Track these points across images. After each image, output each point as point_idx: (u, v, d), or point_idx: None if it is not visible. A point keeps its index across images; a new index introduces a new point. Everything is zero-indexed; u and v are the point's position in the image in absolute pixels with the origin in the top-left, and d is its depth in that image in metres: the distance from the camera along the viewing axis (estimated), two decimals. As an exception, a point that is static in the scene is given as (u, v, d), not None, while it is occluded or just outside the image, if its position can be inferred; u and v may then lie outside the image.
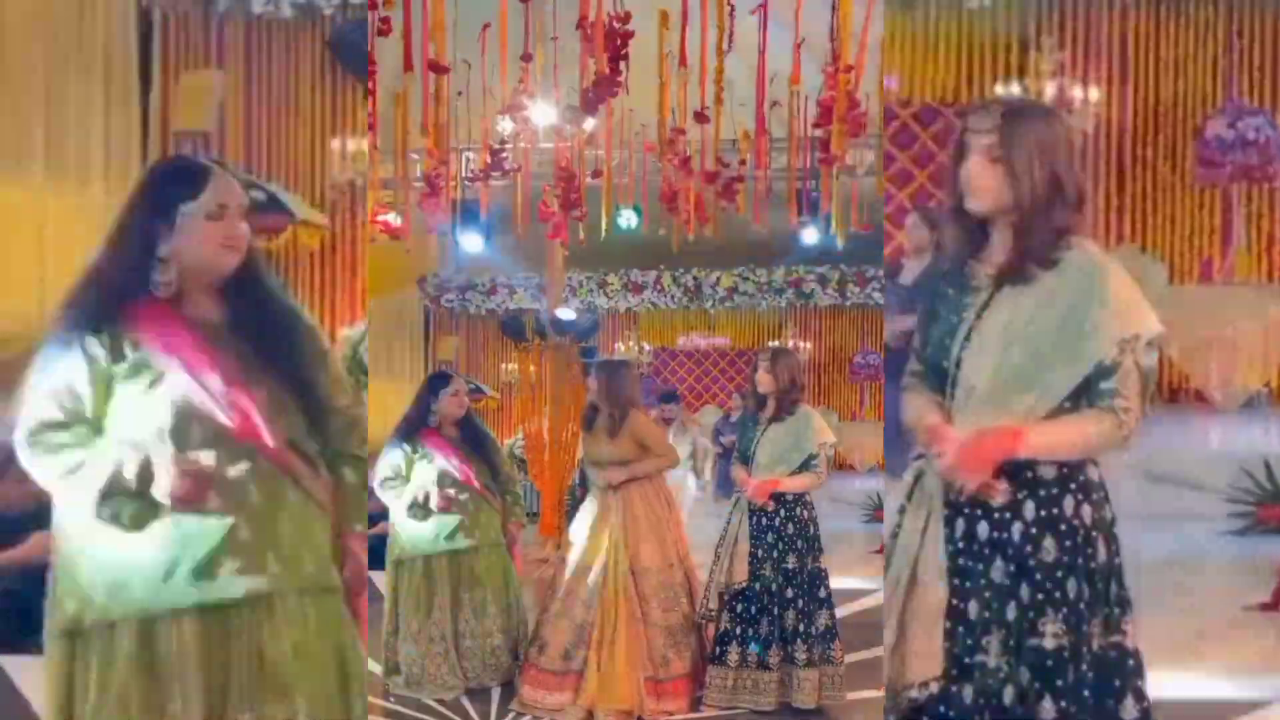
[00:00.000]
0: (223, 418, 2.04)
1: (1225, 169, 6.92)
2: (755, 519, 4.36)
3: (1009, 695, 1.99)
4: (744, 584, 4.31)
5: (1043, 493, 2.02)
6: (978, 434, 2.02)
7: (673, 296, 13.33)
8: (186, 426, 2.02)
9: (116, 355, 2.02)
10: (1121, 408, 1.98)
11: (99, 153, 6.95)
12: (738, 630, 4.30)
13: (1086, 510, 2.02)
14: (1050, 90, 7.39)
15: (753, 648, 4.27)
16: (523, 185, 6.55)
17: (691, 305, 13.42)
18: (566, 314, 9.69)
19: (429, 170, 6.60)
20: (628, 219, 8.25)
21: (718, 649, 4.33)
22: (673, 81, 5.02)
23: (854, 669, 4.38)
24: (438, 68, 4.36)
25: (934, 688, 2.03)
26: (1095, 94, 7.60)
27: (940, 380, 2.13)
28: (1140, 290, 2.03)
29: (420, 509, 4.64)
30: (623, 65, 4.50)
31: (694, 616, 4.44)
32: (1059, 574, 1.99)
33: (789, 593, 4.29)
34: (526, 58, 5.12)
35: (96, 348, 2.01)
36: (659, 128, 5.30)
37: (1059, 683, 1.98)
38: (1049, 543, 2.00)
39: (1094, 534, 2.01)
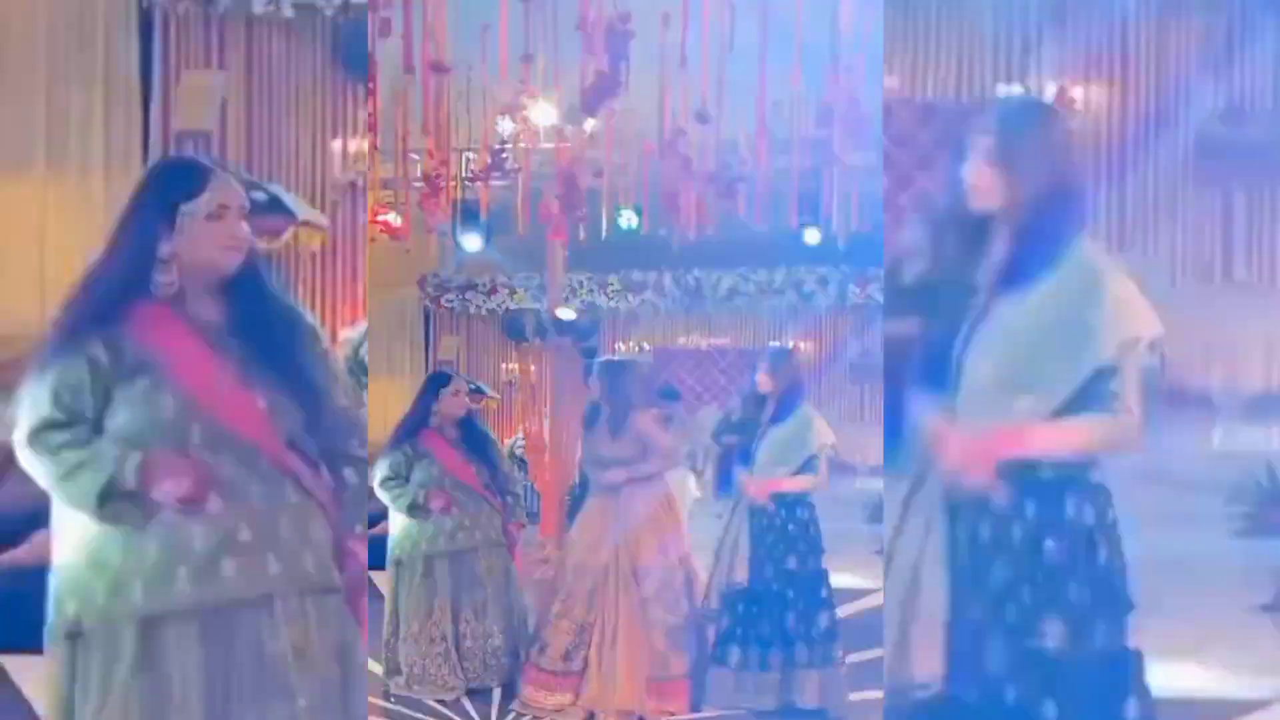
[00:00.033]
0: (223, 418, 2.04)
1: (1227, 169, 6.92)
2: (756, 519, 4.36)
3: (1011, 696, 1.99)
4: (745, 584, 4.30)
5: (1044, 494, 2.01)
6: (979, 436, 2.01)
7: (673, 297, 13.32)
8: (186, 427, 2.02)
9: (117, 356, 2.02)
10: (1122, 409, 1.98)
11: (99, 153, 6.95)
12: (739, 631, 4.30)
13: (1088, 511, 2.01)
14: (1052, 90, 7.38)
15: (754, 649, 4.27)
16: (523, 185, 6.54)
17: (692, 306, 13.40)
18: (567, 314, 9.66)
19: (429, 170, 6.59)
20: (628, 219, 8.23)
21: (719, 649, 4.33)
22: (673, 82, 5.01)
23: (855, 669, 4.37)
24: (438, 68, 4.37)
25: (936, 689, 2.02)
26: (1097, 94, 7.59)
27: (942, 381, 2.12)
28: (1141, 291, 2.02)
29: (420, 509, 4.64)
30: (623, 65, 4.50)
31: (695, 617, 4.43)
32: (1061, 575, 1.99)
33: (790, 593, 4.29)
34: (527, 58, 5.11)
35: (97, 348, 2.01)
36: (660, 128, 5.30)
37: (1061, 684, 1.97)
38: (1050, 544, 2.00)
39: (1096, 535, 2.01)
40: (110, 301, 2.04)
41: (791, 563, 4.31)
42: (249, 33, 7.41)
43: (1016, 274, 2.05)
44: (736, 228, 6.47)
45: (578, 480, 6.68)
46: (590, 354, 10.03)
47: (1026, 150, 2.03)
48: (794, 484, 4.35)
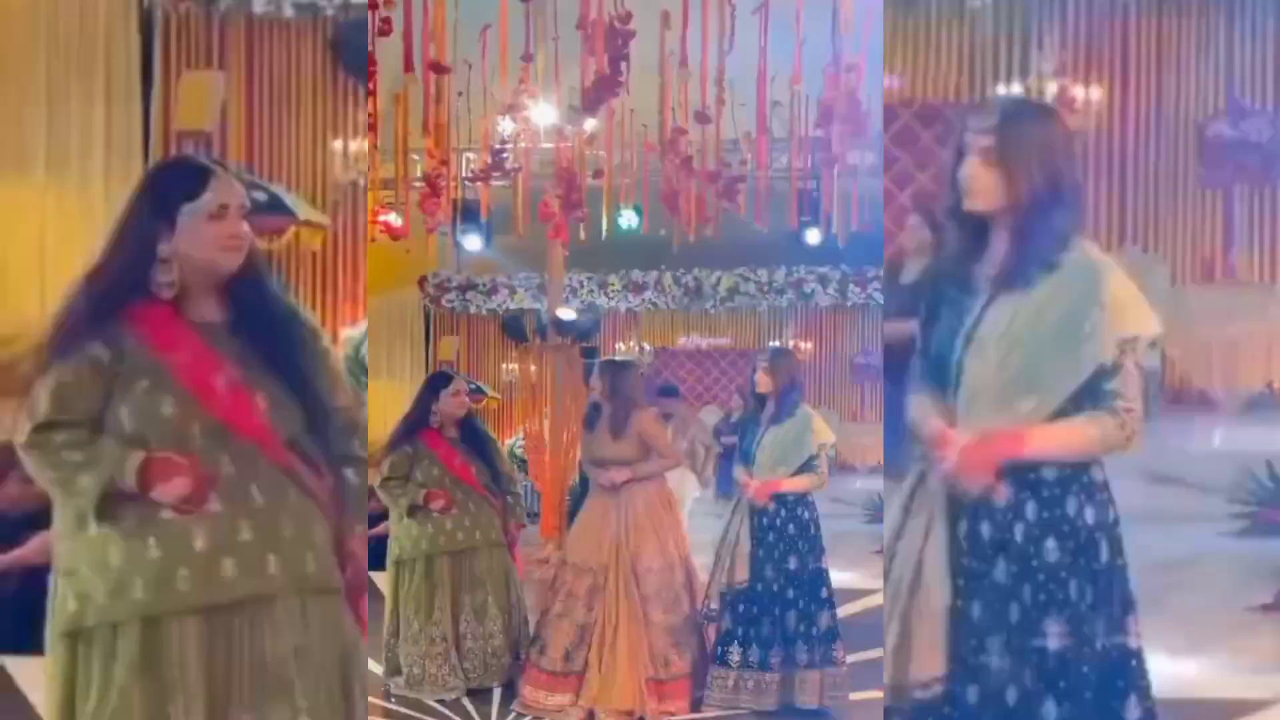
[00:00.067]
0: (223, 418, 2.04)
1: (1227, 169, 6.92)
2: (757, 519, 4.36)
3: (1012, 696, 1.99)
4: (745, 584, 4.30)
5: (1045, 493, 2.01)
6: (980, 436, 2.01)
7: (673, 297, 13.33)
8: (187, 427, 2.02)
9: (117, 356, 2.02)
10: (1123, 409, 1.98)
11: (100, 153, 6.96)
12: (739, 631, 4.30)
13: (1089, 511, 2.01)
14: (1052, 90, 7.39)
15: (754, 650, 4.27)
16: (523, 185, 6.55)
17: (692, 306, 13.41)
18: (567, 314, 9.68)
19: (430, 170, 6.60)
20: (628, 219, 8.23)
21: (719, 649, 4.33)
22: (674, 81, 5.02)
23: (855, 669, 4.37)
24: (438, 68, 4.37)
25: (937, 689, 2.02)
26: (1097, 94, 7.60)
27: (942, 382, 2.12)
28: (1141, 291, 2.02)
29: (421, 509, 4.64)
30: (624, 65, 4.50)
31: (695, 617, 4.43)
32: (1062, 575, 1.99)
33: (790, 593, 4.29)
34: (527, 58, 5.12)
35: (97, 348, 2.01)
36: (660, 128, 5.31)
37: (1062, 683, 1.97)
38: (1052, 543, 2.00)
39: (1097, 535, 2.01)
40: (111, 301, 2.04)
41: (792, 562, 4.31)
42: (249, 33, 7.42)
43: (1016, 274, 2.05)
44: (736, 228, 6.47)
45: (578, 480, 6.69)
46: (590, 354, 10.04)
47: (1026, 150, 2.02)
48: (794, 484, 4.35)
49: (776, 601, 4.28)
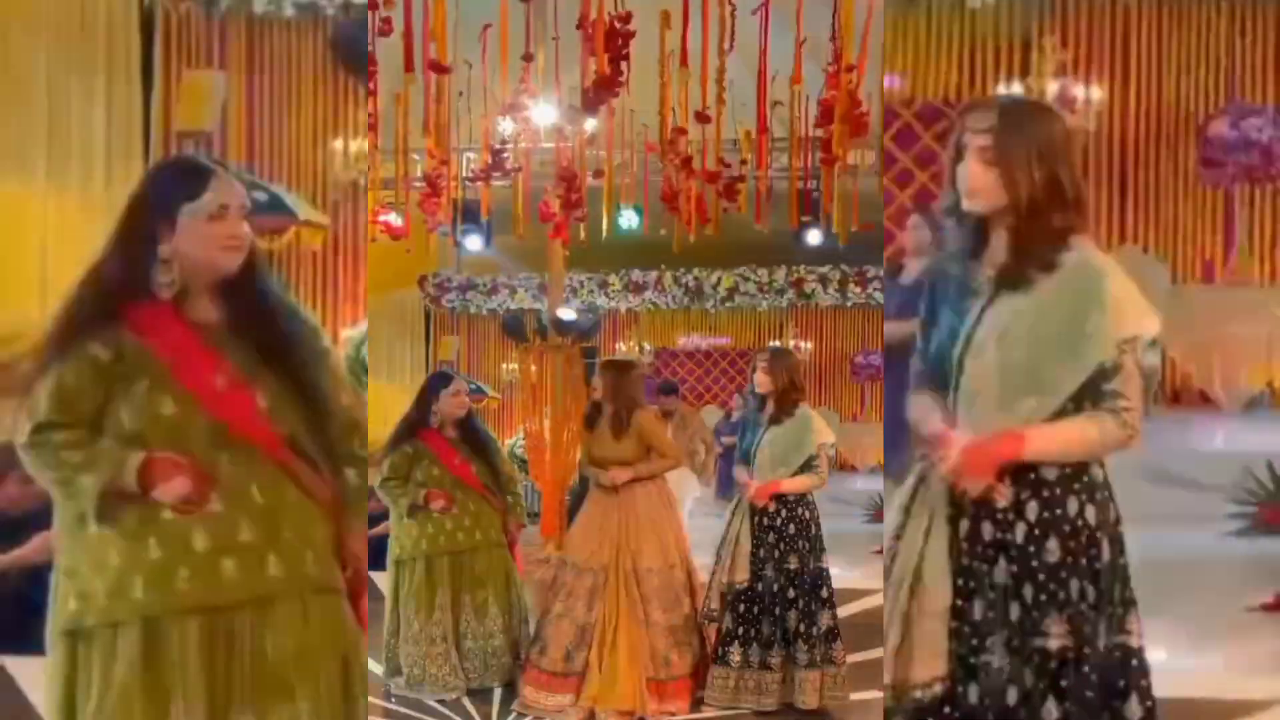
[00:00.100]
0: (223, 418, 2.04)
1: (1228, 169, 6.92)
2: (757, 519, 4.36)
3: (1013, 696, 1.99)
4: (746, 584, 4.30)
5: (1046, 493, 2.01)
6: (980, 438, 2.01)
7: (674, 297, 13.33)
8: (187, 427, 2.02)
9: (117, 355, 2.02)
10: (1123, 409, 1.98)
11: (101, 152, 6.96)
12: (740, 631, 4.30)
13: (1090, 511, 2.01)
14: (1053, 90, 7.38)
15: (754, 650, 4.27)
16: (523, 185, 6.54)
17: (692, 305, 13.41)
18: (567, 314, 9.65)
19: (430, 170, 6.59)
20: (629, 219, 8.23)
21: (720, 649, 4.33)
22: (674, 81, 5.01)
23: (855, 669, 4.37)
24: (438, 68, 4.36)
25: (938, 689, 2.02)
26: (1097, 93, 7.59)
27: (942, 382, 2.13)
28: (1140, 291, 2.02)
29: (421, 509, 4.64)
30: (624, 65, 4.49)
31: (696, 617, 4.43)
32: (1063, 574, 1.99)
33: (791, 593, 4.29)
34: (527, 58, 5.11)
35: (97, 348, 2.01)
36: (660, 128, 5.30)
37: (1063, 683, 1.97)
38: (1053, 543, 2.00)
39: (1098, 534, 2.01)
40: (111, 301, 2.04)
41: (792, 562, 4.31)
42: (249, 32, 7.43)
43: (1016, 274, 2.05)
44: (736, 228, 6.46)
45: (578, 480, 6.68)
46: (590, 354, 10.03)
47: (1025, 151, 2.02)
48: (794, 485, 4.35)
49: (777, 601, 4.28)
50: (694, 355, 13.55)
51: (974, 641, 2.03)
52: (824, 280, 13.02)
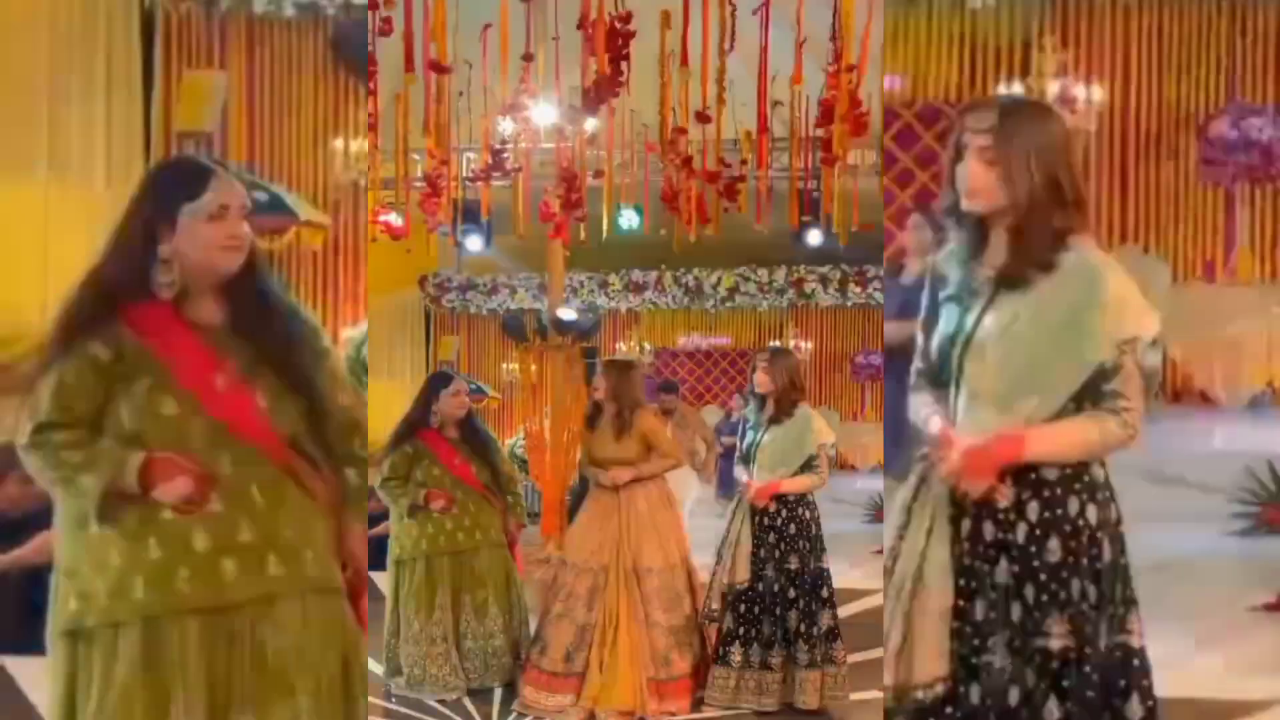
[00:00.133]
0: (223, 418, 2.04)
1: (1228, 169, 6.92)
2: (757, 519, 4.36)
3: (1014, 696, 1.99)
4: (746, 584, 4.30)
5: (1047, 493, 2.01)
6: (981, 439, 2.01)
7: (674, 296, 13.34)
8: (188, 427, 2.02)
9: (118, 355, 2.02)
10: (1123, 409, 1.98)
11: (101, 152, 6.97)
12: (740, 630, 4.30)
13: (1091, 510, 2.01)
14: (1053, 90, 7.38)
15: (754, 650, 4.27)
16: (524, 185, 6.54)
17: (693, 305, 13.42)
18: (567, 314, 9.65)
19: (430, 170, 6.59)
20: (629, 219, 8.23)
21: (721, 649, 4.33)
22: (674, 81, 5.01)
23: (856, 669, 4.37)
24: (439, 68, 4.36)
25: (940, 689, 2.02)
26: (1098, 93, 7.59)
27: (943, 382, 2.13)
28: (1140, 291, 2.02)
29: (421, 509, 4.64)
30: (624, 65, 4.49)
31: (696, 617, 4.43)
32: (1064, 574, 1.99)
33: (791, 593, 4.29)
34: (527, 58, 5.11)
35: (97, 348, 2.01)
36: (660, 128, 5.30)
37: (1065, 683, 1.97)
38: (1054, 543, 1.99)
39: (1099, 534, 2.01)
40: (112, 301, 2.04)
41: (793, 562, 4.31)
42: (250, 33, 7.43)
43: (1016, 274, 2.05)
44: (736, 228, 6.46)
45: (578, 480, 6.68)
46: (590, 354, 10.03)
47: (1024, 150, 2.02)
48: (794, 485, 4.35)
49: (778, 601, 4.28)
50: (694, 355, 13.56)
51: (975, 641, 2.03)
52: (824, 280, 13.03)
